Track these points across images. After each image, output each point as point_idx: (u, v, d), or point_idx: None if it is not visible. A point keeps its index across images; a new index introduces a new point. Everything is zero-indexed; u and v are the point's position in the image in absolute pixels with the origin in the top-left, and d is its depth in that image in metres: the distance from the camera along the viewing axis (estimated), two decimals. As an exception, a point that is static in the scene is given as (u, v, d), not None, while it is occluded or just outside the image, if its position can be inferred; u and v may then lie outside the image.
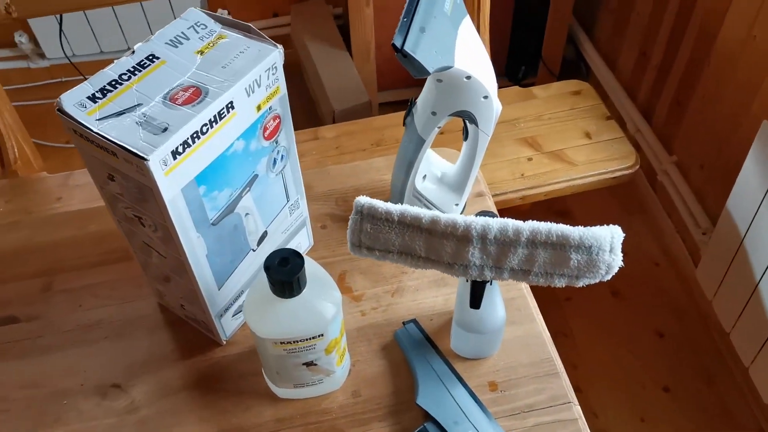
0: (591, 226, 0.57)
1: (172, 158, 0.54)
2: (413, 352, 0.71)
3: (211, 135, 0.57)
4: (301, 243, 0.79)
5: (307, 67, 1.91)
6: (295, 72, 2.15)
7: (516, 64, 2.03)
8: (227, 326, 0.72)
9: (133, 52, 0.60)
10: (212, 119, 0.56)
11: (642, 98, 1.77)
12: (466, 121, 0.71)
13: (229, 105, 0.57)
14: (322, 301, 0.60)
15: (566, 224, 0.57)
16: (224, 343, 0.74)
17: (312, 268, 0.61)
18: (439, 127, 0.70)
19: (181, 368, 0.72)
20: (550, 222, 0.57)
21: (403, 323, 0.74)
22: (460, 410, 0.66)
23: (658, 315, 1.61)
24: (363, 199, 0.59)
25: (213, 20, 0.63)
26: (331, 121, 1.72)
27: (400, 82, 1.99)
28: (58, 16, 1.92)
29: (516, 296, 0.76)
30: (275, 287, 0.58)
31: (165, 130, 0.54)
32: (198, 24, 0.63)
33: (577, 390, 1.47)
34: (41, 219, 0.88)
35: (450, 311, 0.75)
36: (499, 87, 1.44)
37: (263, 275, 0.61)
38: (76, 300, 0.79)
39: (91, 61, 2.09)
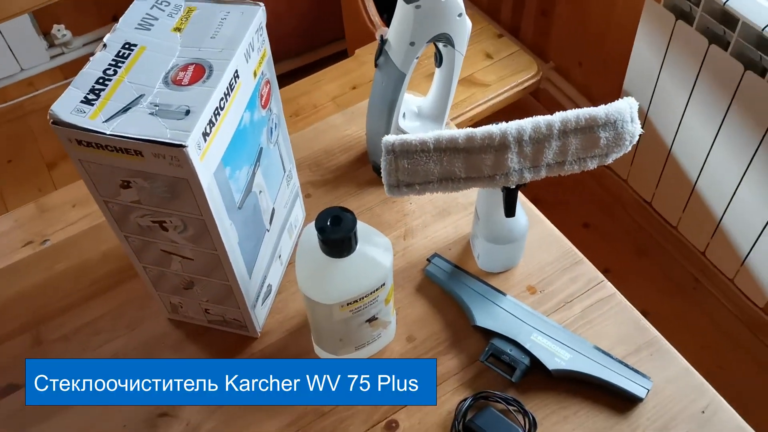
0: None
1: (203, 140, 0.50)
2: (450, 282, 0.71)
3: (227, 110, 0.53)
4: (298, 216, 0.77)
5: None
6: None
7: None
8: (260, 316, 0.69)
9: (105, 45, 0.54)
10: (226, 92, 0.52)
11: (505, 17, 1.85)
12: (439, 46, 0.71)
13: (236, 74, 0.54)
14: (377, 250, 0.59)
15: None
16: (259, 335, 0.70)
17: (352, 221, 0.60)
18: (417, 58, 0.70)
19: (223, 374, 0.68)
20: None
21: (428, 260, 0.74)
22: (517, 318, 0.68)
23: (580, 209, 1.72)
24: (392, 138, 0.58)
25: (172, -5, 0.59)
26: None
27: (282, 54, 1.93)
28: None
29: (517, 204, 0.78)
30: (332, 249, 0.56)
31: (188, 113, 0.49)
32: (159, 2, 0.58)
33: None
34: (1, 271, 0.78)
35: (463, 237, 0.76)
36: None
37: (306, 244, 0.58)
38: (80, 343, 0.71)
39: None
